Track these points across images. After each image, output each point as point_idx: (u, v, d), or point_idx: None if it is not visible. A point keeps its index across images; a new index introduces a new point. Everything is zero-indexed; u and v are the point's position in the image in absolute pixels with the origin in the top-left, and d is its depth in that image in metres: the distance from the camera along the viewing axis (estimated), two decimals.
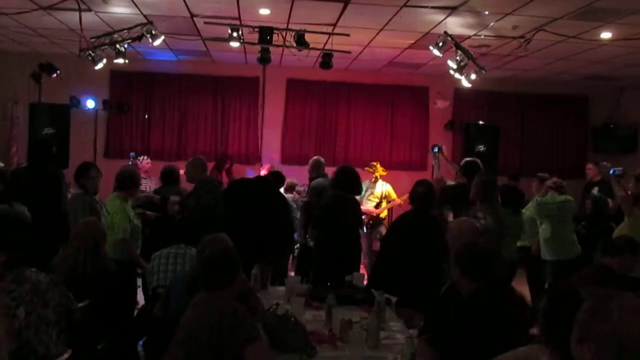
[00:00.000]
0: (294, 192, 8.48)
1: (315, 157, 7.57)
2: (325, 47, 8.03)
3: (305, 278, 5.15)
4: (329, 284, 4.66)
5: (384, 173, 9.06)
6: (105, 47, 7.85)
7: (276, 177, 7.09)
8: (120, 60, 7.89)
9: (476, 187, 5.61)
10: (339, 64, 8.46)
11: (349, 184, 6.08)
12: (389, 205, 8.85)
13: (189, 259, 4.28)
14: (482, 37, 7.83)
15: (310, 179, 7.31)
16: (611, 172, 6.64)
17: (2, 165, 8.20)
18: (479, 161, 6.68)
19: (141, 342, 3.48)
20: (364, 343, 3.51)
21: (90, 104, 10.40)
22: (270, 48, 7.64)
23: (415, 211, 5.27)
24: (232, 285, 3.10)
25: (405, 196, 8.79)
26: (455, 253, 3.43)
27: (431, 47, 7.41)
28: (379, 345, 3.52)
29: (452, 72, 7.81)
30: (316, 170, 7.30)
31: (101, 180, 5.91)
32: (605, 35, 7.52)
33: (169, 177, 6.99)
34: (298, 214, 7.38)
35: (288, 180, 8.09)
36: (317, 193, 6.62)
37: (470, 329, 3.04)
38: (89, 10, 7.29)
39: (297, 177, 8.91)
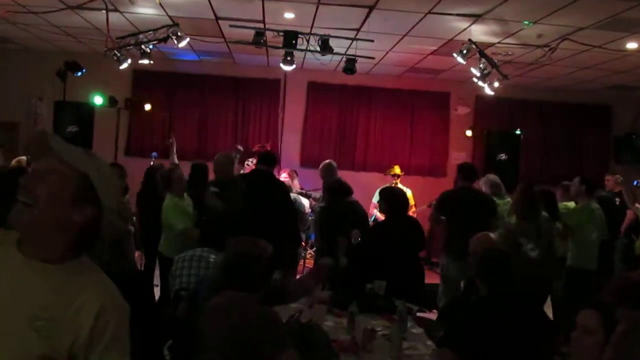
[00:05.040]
0: (310, 199, 8.37)
1: (327, 162, 7.23)
2: (348, 52, 8.03)
3: (325, 285, 5.14)
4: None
5: (400, 172, 9.02)
6: (130, 47, 7.92)
7: (267, 158, 6.43)
8: (145, 61, 7.96)
9: (517, 201, 5.55)
10: (360, 68, 8.45)
11: (345, 189, 6.19)
12: None
13: (212, 262, 4.28)
14: (507, 45, 7.80)
15: (325, 184, 7.07)
16: (635, 183, 6.71)
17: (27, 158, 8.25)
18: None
19: (167, 346, 3.50)
20: (386, 353, 3.52)
21: (97, 100, 10.14)
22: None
23: (393, 219, 5.34)
24: (257, 290, 3.12)
25: (424, 206, 8.79)
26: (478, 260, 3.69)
27: (455, 54, 7.39)
28: (402, 356, 3.52)
29: (475, 79, 7.80)
30: (330, 175, 7.03)
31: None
32: (631, 45, 7.48)
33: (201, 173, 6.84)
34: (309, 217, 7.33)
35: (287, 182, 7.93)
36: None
37: (479, 328, 3.25)
38: (116, 10, 7.37)
39: (316, 180, 8.86)
